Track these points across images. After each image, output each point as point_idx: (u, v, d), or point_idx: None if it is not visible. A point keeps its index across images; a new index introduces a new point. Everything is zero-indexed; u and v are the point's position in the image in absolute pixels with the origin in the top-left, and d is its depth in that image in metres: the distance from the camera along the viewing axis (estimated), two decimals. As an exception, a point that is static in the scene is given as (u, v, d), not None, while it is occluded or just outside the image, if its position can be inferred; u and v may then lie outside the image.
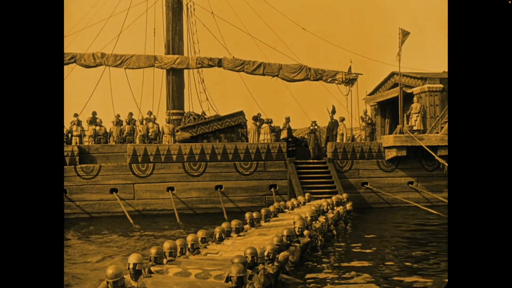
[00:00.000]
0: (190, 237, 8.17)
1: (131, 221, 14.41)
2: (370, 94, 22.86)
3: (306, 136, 19.53)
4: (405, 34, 17.98)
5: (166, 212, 16.03)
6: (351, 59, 20.55)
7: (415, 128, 18.61)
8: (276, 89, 22.22)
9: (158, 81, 20.86)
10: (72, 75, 19.79)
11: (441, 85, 18.74)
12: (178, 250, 7.64)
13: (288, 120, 18.78)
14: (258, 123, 18.99)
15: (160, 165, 16.58)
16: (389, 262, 9.33)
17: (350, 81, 20.08)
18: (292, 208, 13.08)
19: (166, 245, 7.39)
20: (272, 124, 18.89)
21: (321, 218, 11.01)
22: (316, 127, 18.85)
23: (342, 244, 10.98)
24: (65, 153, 16.09)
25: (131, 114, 19.53)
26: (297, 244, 8.73)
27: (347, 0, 46.06)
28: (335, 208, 12.84)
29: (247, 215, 10.65)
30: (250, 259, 6.84)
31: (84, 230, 13.62)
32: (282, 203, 13.45)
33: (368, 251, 10.23)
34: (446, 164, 16.11)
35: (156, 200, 16.42)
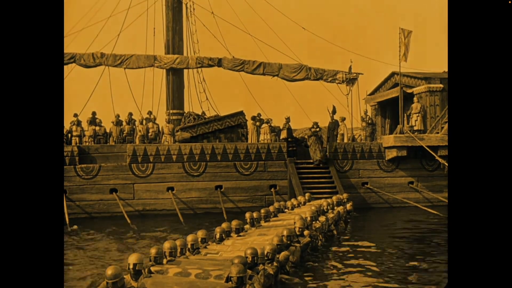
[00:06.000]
0: (190, 237, 8.16)
1: (129, 222, 14.41)
2: (370, 94, 22.87)
3: (305, 136, 19.42)
4: (407, 33, 17.96)
5: (166, 212, 16.05)
6: (351, 59, 20.57)
7: (415, 128, 18.61)
8: (276, 89, 22.22)
9: (158, 81, 20.86)
10: (71, 75, 19.79)
11: (441, 85, 18.74)
12: (178, 250, 7.63)
13: (288, 120, 18.76)
14: (257, 123, 18.98)
15: (160, 165, 16.58)
16: (389, 262, 9.33)
17: (350, 80, 20.05)
18: (292, 208, 13.07)
19: (166, 245, 7.39)
20: (272, 124, 18.87)
21: (322, 218, 11.00)
22: (317, 129, 18.16)
23: (342, 244, 10.98)
24: (65, 153, 16.09)
25: (130, 114, 19.52)
26: (297, 244, 8.72)
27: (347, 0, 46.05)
28: (335, 208, 12.83)
29: (247, 215, 10.65)
30: (250, 259, 6.83)
31: (84, 230, 13.63)
32: (282, 203, 13.44)
33: (368, 251, 10.24)
34: (446, 164, 16.11)
35: (156, 200, 16.42)
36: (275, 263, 7.31)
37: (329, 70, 20.23)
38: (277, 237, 8.18)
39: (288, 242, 8.48)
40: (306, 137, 19.24)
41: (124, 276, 5.79)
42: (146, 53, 20.32)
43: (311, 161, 17.40)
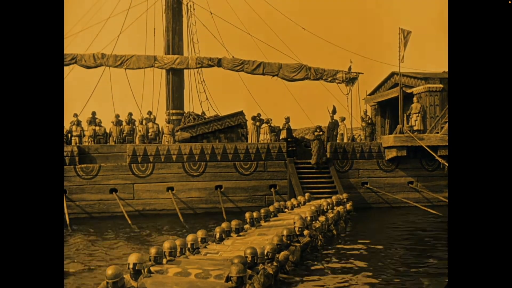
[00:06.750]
0: (190, 237, 8.17)
1: (129, 222, 14.42)
2: (370, 94, 22.86)
3: (307, 137, 19.35)
4: (407, 33, 17.97)
5: (166, 212, 16.04)
6: (351, 59, 20.55)
7: (415, 128, 18.60)
8: (276, 89, 22.22)
9: (157, 81, 20.88)
10: (72, 75, 19.79)
11: (441, 85, 18.75)
12: (178, 250, 7.64)
13: (287, 120, 18.75)
14: (257, 123, 18.98)
15: (160, 165, 16.58)
16: (389, 261, 9.32)
17: (350, 80, 20.04)
18: (292, 208, 13.08)
19: (166, 245, 7.39)
20: (271, 124, 18.86)
21: (321, 218, 11.01)
22: (321, 133, 17.83)
23: (342, 244, 10.98)
24: (65, 153, 16.09)
25: (130, 114, 19.51)
26: (297, 244, 8.73)
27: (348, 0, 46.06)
28: (335, 208, 12.85)
29: (247, 215, 10.66)
30: (250, 259, 6.84)
31: (84, 230, 13.62)
32: (282, 203, 13.45)
33: (368, 250, 10.24)
34: (446, 164, 16.11)
35: (156, 200, 16.42)
36: (275, 263, 7.32)
37: (329, 69, 20.21)
38: (277, 236, 8.19)
39: (288, 242, 8.49)
40: (306, 137, 19.19)
41: (124, 276, 5.79)
42: (146, 53, 20.33)
43: (310, 160, 17.38)
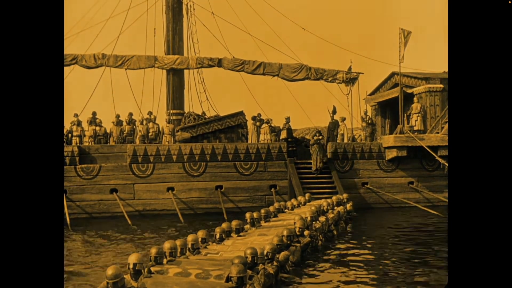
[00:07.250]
0: (190, 237, 8.18)
1: (129, 222, 14.42)
2: (370, 94, 22.87)
3: (307, 137, 19.31)
4: (407, 33, 17.97)
5: (166, 212, 16.05)
6: (351, 59, 20.55)
7: (415, 128, 18.60)
8: (276, 89, 22.23)
9: (158, 81, 20.90)
10: (72, 75, 19.81)
11: (441, 85, 18.75)
12: (178, 250, 7.64)
13: (288, 120, 18.76)
14: (258, 123, 18.98)
15: (160, 165, 16.58)
16: (389, 262, 9.32)
17: (351, 80, 20.04)
18: (292, 208, 13.09)
19: (166, 245, 7.40)
20: (272, 124, 18.86)
21: (322, 218, 11.01)
22: (320, 137, 17.53)
23: (343, 244, 10.98)
24: (65, 153, 16.09)
25: (131, 114, 19.53)
26: (297, 244, 8.73)
27: (347, 0, 46.08)
28: (335, 208, 12.85)
29: (247, 215, 10.66)
30: (250, 259, 6.85)
31: (84, 230, 13.63)
32: (282, 203, 13.45)
33: (368, 251, 10.24)
34: (446, 164, 16.10)
35: (156, 200, 16.42)
36: (275, 263, 7.32)
37: (330, 70, 20.22)
38: (277, 237, 8.19)
39: (288, 242, 8.49)
40: (306, 137, 19.15)
41: (124, 276, 5.79)
42: (146, 53, 20.34)
43: (311, 160, 17.35)
